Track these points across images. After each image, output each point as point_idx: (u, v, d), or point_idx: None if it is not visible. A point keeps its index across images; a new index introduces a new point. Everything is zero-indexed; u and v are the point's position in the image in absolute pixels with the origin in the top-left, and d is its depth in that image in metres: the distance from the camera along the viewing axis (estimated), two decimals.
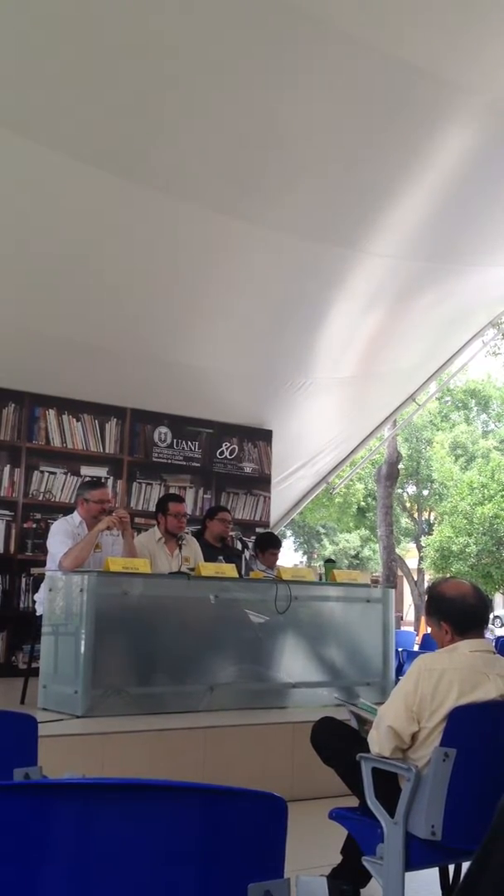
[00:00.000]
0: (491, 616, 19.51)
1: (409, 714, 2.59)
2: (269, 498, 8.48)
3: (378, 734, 2.66)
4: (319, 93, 5.15)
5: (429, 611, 2.82)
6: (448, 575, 19.09)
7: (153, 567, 5.33)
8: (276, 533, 8.49)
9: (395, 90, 5.17)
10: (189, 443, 7.95)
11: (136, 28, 4.54)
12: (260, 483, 8.41)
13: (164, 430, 7.82)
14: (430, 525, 27.25)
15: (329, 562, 6.30)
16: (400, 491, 25.81)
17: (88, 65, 4.70)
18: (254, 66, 4.91)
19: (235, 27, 4.64)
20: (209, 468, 8.07)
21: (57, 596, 5.00)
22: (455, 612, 2.73)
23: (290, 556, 31.25)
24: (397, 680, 5.56)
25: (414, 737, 2.61)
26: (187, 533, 6.16)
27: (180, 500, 6.08)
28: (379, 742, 2.64)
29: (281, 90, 5.06)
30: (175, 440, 7.87)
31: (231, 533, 6.86)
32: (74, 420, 7.35)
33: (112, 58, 4.72)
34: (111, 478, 7.46)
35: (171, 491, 7.55)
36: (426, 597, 2.90)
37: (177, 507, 5.89)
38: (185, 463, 7.92)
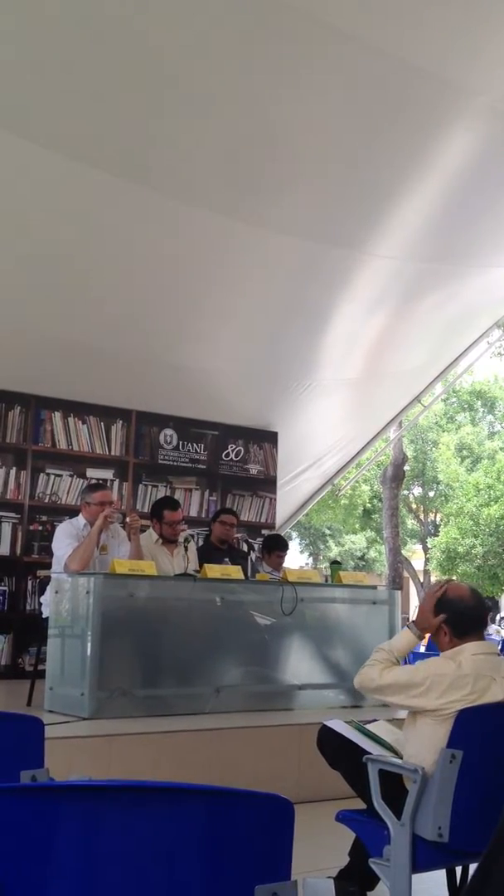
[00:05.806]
0: (498, 617, 19.49)
1: (409, 686, 2.64)
2: (275, 500, 8.47)
3: (380, 672, 2.72)
4: (319, 93, 5.14)
5: None
6: (446, 577, 19.06)
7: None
8: (281, 535, 8.48)
9: (396, 90, 5.16)
10: (195, 445, 7.96)
11: (135, 28, 4.54)
12: (265, 485, 8.40)
13: (169, 432, 7.83)
14: (436, 526, 27.18)
15: (335, 563, 6.30)
16: (406, 492, 25.75)
17: (88, 65, 4.70)
18: (253, 65, 4.90)
19: (235, 27, 4.64)
20: (215, 470, 8.07)
21: (63, 598, 5.01)
22: (453, 614, 2.73)
23: (295, 558, 31.24)
24: None
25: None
26: (192, 535, 6.14)
27: (175, 507, 5.90)
28: (377, 676, 2.72)
29: (280, 90, 5.05)
30: (181, 442, 7.88)
31: (237, 535, 6.85)
32: (80, 422, 7.36)
33: (111, 58, 4.72)
34: (117, 480, 7.47)
35: (177, 493, 7.56)
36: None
37: (171, 516, 5.75)
38: (190, 465, 7.92)
